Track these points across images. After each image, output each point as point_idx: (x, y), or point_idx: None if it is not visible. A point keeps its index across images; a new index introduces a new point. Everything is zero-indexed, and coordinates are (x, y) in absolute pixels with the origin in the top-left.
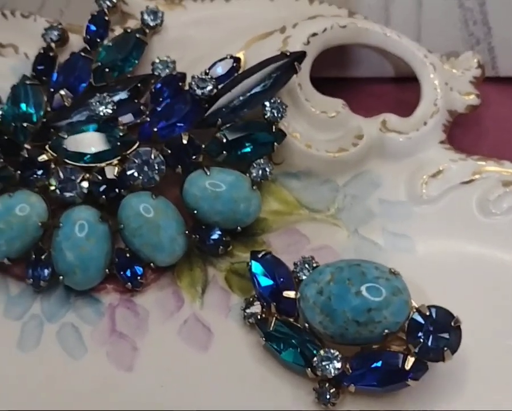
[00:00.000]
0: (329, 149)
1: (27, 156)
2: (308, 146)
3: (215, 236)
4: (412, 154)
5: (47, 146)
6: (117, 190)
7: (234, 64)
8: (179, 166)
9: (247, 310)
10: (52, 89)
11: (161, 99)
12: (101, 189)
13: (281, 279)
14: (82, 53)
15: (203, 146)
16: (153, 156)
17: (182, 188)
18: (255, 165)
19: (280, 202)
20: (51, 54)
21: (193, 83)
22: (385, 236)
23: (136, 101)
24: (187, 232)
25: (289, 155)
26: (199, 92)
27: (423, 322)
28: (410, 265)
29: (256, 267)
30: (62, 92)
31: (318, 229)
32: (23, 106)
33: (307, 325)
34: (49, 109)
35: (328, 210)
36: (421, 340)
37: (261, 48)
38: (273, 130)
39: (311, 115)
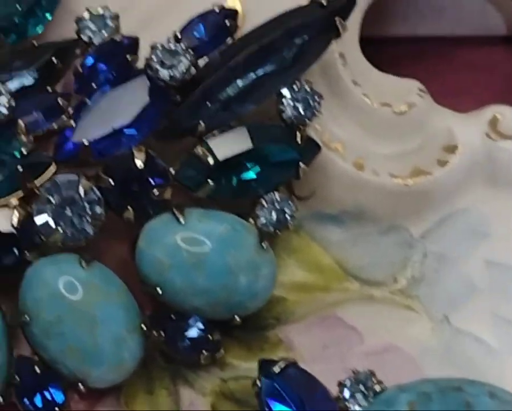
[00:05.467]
0: (397, 171)
1: None
2: (358, 166)
3: (193, 332)
4: None
5: None
6: (16, 251)
7: (226, 21)
8: (130, 208)
9: None
10: None
11: (94, 86)
12: None
13: None
14: None
15: (172, 171)
16: (82, 191)
17: (135, 247)
18: (265, 204)
19: (309, 268)
20: None
21: (154, 57)
22: (498, 328)
23: (50, 89)
24: (143, 326)
25: (325, 183)
26: (165, 73)
27: None
28: None
29: (270, 389)
30: None
31: (377, 316)
32: None
33: None
34: None
35: (394, 282)
36: None
37: None
38: (298, 140)
39: (364, 110)
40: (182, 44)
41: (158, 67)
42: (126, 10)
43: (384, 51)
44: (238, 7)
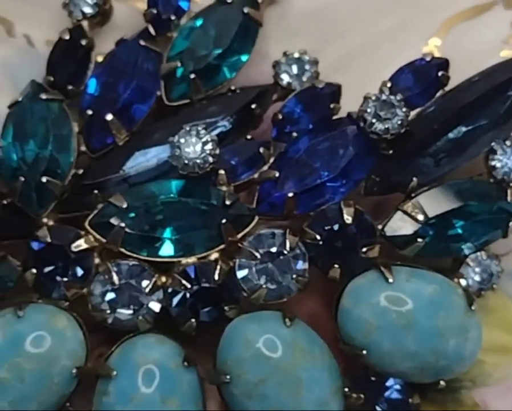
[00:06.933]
0: None
1: (47, 240)
2: None
3: (393, 395)
4: None
5: (86, 223)
6: (217, 307)
7: (438, 71)
8: (336, 266)
9: None
10: (87, 111)
11: (295, 134)
12: (188, 305)
13: None
14: (142, 42)
15: (379, 227)
16: (288, 246)
17: (339, 305)
18: (471, 264)
19: (508, 328)
20: (83, 42)
21: (367, 109)
22: None
23: (249, 137)
24: (347, 390)
25: None
26: (380, 127)
27: None
28: None
29: None
30: (108, 117)
31: None
32: (33, 145)
33: None
34: (83, 149)
35: None
36: None
37: (468, 34)
38: (508, 197)
39: None
40: (397, 96)
41: (372, 119)
42: (318, 51)
43: None
44: (436, 50)
